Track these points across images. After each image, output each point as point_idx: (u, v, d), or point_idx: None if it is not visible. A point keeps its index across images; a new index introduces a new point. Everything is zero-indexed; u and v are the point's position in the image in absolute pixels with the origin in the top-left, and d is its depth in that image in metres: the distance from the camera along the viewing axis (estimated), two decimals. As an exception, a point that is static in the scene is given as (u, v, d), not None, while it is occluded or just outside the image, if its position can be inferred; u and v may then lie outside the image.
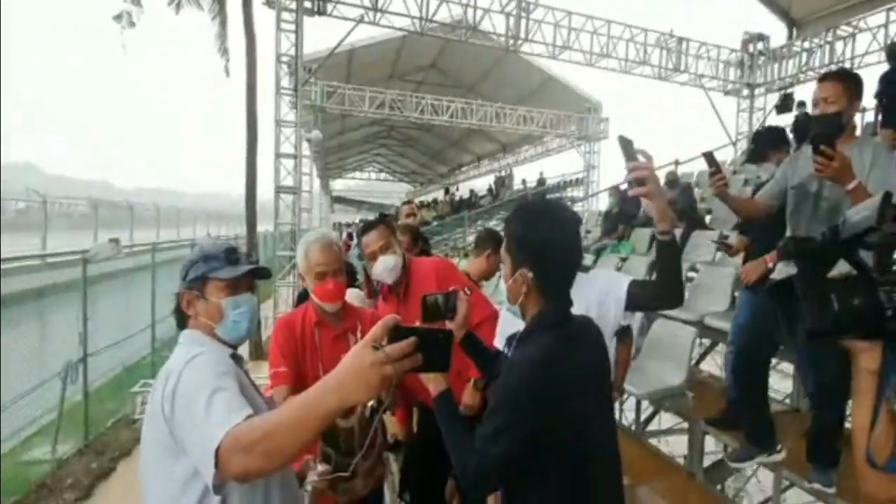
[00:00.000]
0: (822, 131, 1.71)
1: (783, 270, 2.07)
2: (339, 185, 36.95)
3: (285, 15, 9.47)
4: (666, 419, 4.04)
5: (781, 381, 4.41)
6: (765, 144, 3.21)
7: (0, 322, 4.14)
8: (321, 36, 11.28)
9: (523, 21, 11.01)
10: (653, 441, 3.71)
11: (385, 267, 2.10)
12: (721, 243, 3.86)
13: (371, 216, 2.83)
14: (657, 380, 3.21)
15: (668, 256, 1.38)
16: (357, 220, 19.36)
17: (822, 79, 1.96)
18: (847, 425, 2.21)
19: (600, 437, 1.18)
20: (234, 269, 1.26)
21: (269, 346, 1.93)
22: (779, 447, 2.40)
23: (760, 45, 12.75)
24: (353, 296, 2.57)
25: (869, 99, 5.64)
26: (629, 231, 7.02)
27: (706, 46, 12.80)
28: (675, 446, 3.78)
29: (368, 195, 37.04)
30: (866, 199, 1.52)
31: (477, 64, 15.59)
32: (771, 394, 2.79)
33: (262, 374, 3.41)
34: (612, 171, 15.07)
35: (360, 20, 9.94)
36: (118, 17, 9.29)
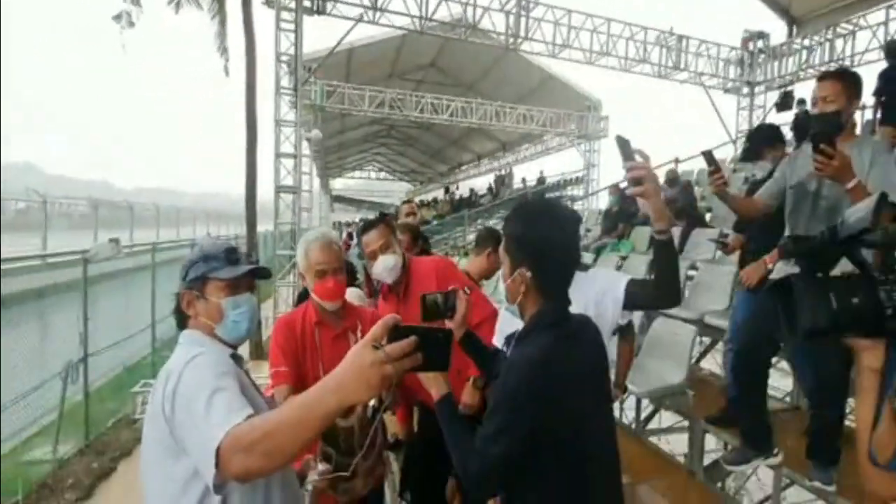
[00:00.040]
0: (822, 130, 1.71)
1: (782, 270, 2.08)
2: (338, 185, 36.93)
3: (285, 14, 9.46)
4: (666, 417, 4.03)
5: (781, 379, 4.40)
6: (760, 142, 3.20)
7: (0, 322, 4.14)
8: (321, 35, 11.28)
9: (523, 19, 10.99)
10: (653, 439, 3.71)
11: (385, 266, 2.10)
12: (718, 241, 3.87)
13: (371, 215, 2.83)
14: (657, 378, 3.21)
15: (666, 256, 1.38)
16: (357, 220, 19.36)
17: (822, 78, 1.97)
18: (847, 423, 2.22)
19: (599, 435, 1.18)
20: (234, 269, 1.26)
21: (270, 346, 1.93)
22: (775, 450, 2.41)
23: (760, 43, 12.73)
24: (353, 295, 2.57)
25: (868, 97, 5.64)
26: (629, 229, 7.03)
27: (706, 44, 12.78)
28: (676, 445, 3.78)
29: (368, 194, 37.01)
30: (866, 197, 1.52)
31: (477, 62, 15.57)
32: (771, 391, 2.79)
33: (262, 373, 3.42)
34: (612, 170, 15.06)
35: (360, 19, 9.93)
36: (118, 17, 9.29)
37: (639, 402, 3.73)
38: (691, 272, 4.70)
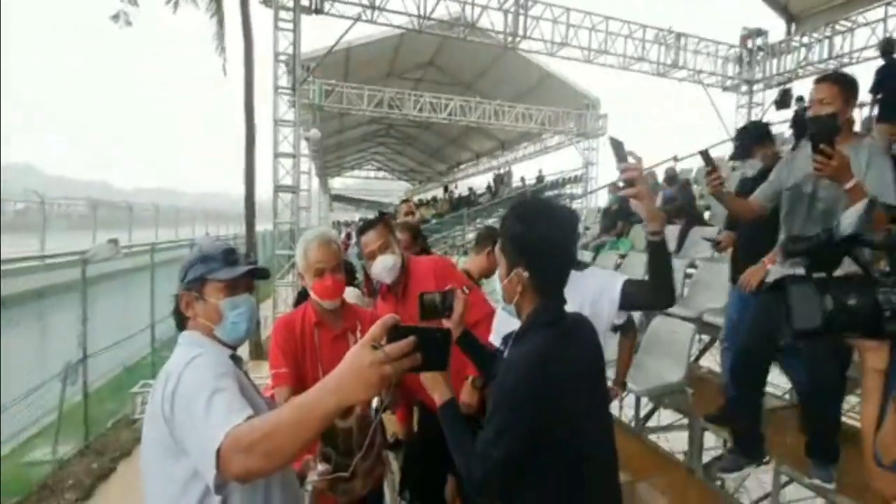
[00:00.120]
0: (819, 132, 1.72)
1: (778, 272, 2.08)
2: (337, 184, 36.86)
3: (283, 13, 9.43)
4: (665, 415, 4.04)
5: (781, 377, 4.40)
6: (749, 140, 3.20)
7: (0, 323, 4.14)
8: (319, 34, 11.26)
9: (521, 18, 10.98)
10: (652, 437, 3.71)
11: (384, 266, 2.10)
12: (711, 240, 3.88)
13: (370, 214, 2.83)
14: (656, 376, 3.22)
15: (659, 256, 1.40)
16: (356, 219, 19.35)
17: (819, 81, 2.00)
18: (846, 420, 2.22)
19: (596, 435, 1.18)
20: (233, 270, 1.26)
21: (269, 347, 1.93)
22: (766, 458, 2.42)
23: (759, 41, 12.73)
24: (349, 294, 2.58)
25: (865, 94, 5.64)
26: (628, 228, 7.03)
27: (705, 42, 12.78)
28: (675, 442, 3.79)
29: (367, 193, 36.97)
30: (864, 198, 1.53)
31: (475, 61, 15.55)
32: (771, 389, 2.80)
33: (261, 373, 3.42)
34: (611, 168, 14.98)
35: (358, 18, 9.91)
36: (115, 17, 9.28)
37: (638, 400, 3.74)
38: (690, 270, 4.70)
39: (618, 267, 5.49)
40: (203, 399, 1.00)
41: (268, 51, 9.52)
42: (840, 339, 0.90)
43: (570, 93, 15.86)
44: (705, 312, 3.73)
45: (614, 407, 3.54)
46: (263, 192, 9.90)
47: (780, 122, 9.52)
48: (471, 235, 14.18)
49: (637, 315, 3.66)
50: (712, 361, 4.84)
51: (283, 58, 9.60)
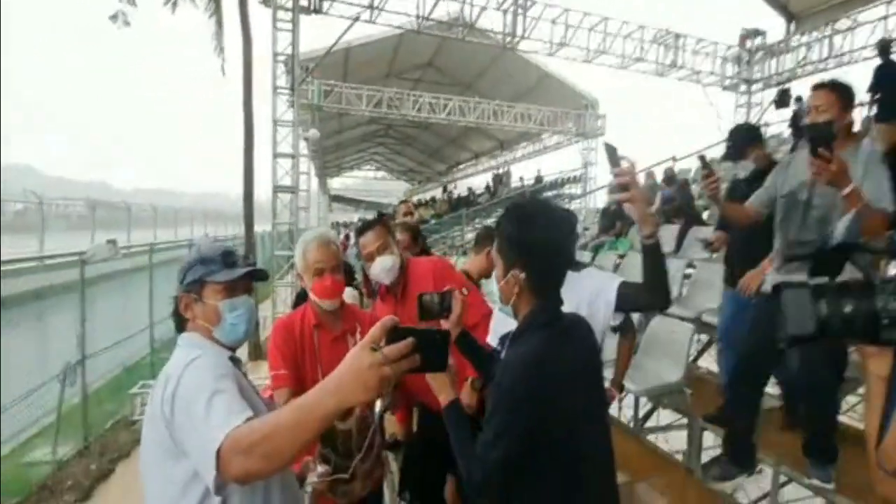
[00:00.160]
0: (815, 138, 1.72)
1: (774, 277, 2.08)
2: (336, 184, 36.82)
3: (281, 13, 9.43)
4: (664, 416, 4.04)
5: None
6: (741, 141, 3.21)
7: (0, 323, 4.14)
8: (318, 34, 11.26)
9: (520, 18, 10.99)
10: (651, 437, 3.72)
11: (383, 267, 2.10)
12: (703, 241, 3.89)
13: (370, 215, 2.84)
14: (655, 377, 3.22)
15: (653, 259, 1.42)
16: (356, 219, 19.33)
17: (815, 88, 2.01)
18: (846, 420, 2.23)
19: (593, 435, 1.19)
20: (231, 271, 1.26)
21: (269, 349, 1.93)
22: (759, 468, 2.43)
23: (758, 41, 12.75)
24: (346, 294, 2.58)
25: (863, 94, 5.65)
26: (627, 228, 7.03)
27: (703, 42, 12.80)
28: (674, 442, 3.79)
29: (367, 194, 36.94)
30: (860, 203, 1.53)
31: (474, 61, 15.55)
32: (769, 389, 2.80)
33: (260, 374, 3.42)
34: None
35: (357, 18, 9.91)
36: (113, 17, 9.28)
37: (637, 400, 3.74)
38: (689, 270, 4.70)
39: (617, 267, 5.49)
40: (203, 401, 1.00)
41: (266, 51, 9.53)
42: (836, 340, 0.89)
43: (569, 93, 15.86)
44: (704, 313, 3.74)
45: (613, 407, 3.55)
46: (262, 192, 9.91)
47: (779, 122, 9.55)
48: (470, 236, 14.19)
49: (636, 315, 3.66)
50: (711, 361, 4.85)
51: (281, 58, 9.61)
